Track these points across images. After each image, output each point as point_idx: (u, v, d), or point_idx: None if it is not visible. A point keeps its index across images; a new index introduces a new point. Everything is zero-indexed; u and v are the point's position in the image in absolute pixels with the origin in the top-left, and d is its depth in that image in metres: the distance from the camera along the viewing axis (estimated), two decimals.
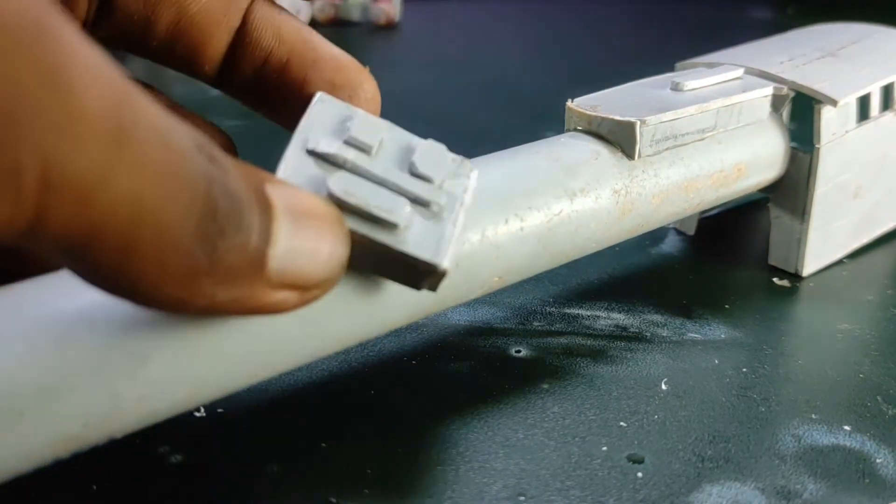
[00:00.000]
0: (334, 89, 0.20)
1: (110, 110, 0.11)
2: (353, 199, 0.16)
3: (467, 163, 0.18)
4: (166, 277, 0.13)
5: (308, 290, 0.15)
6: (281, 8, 0.20)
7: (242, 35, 0.20)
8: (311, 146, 0.17)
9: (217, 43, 0.20)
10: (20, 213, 0.11)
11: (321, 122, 0.17)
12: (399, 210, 0.16)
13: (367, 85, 0.20)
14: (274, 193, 0.14)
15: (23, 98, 0.10)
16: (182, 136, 0.13)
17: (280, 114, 0.21)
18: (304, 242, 0.14)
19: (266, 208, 0.14)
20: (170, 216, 0.12)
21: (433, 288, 0.17)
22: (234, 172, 0.14)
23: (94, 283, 0.13)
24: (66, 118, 0.11)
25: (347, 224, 0.16)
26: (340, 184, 0.16)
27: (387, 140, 0.17)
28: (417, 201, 0.17)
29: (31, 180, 0.11)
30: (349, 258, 0.16)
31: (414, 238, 0.16)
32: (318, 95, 0.18)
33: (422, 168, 0.17)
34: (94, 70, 0.11)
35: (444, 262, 0.16)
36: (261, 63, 0.20)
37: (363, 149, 0.17)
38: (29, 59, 0.10)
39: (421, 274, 0.17)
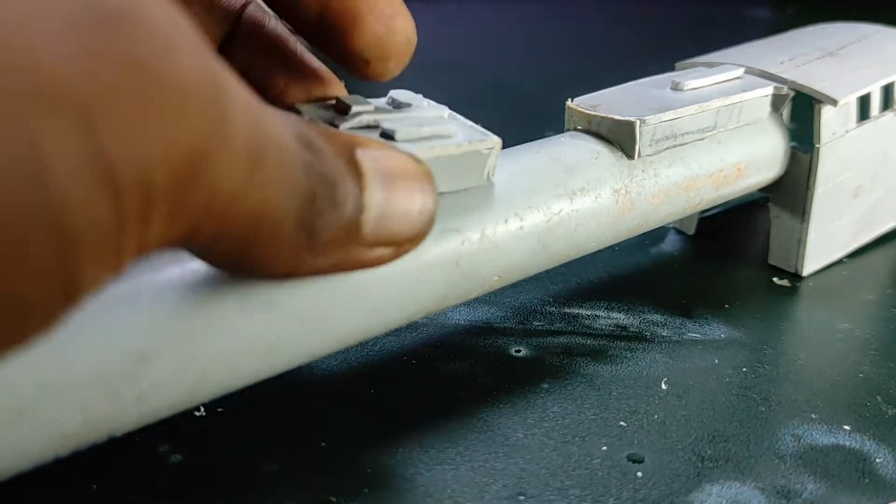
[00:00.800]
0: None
1: (251, 144, 0.13)
2: (407, 134, 0.18)
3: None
4: (276, 259, 0.14)
5: (402, 245, 0.16)
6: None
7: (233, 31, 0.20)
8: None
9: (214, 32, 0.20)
10: (180, 234, 0.12)
11: (320, 117, 0.19)
12: (444, 124, 0.18)
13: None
14: (364, 158, 0.15)
15: (206, 147, 0.12)
16: (289, 138, 0.14)
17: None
18: (395, 203, 0.16)
19: (358, 177, 0.15)
20: (282, 214, 0.14)
21: (493, 171, 0.20)
22: (328, 150, 0.15)
23: (212, 265, 0.15)
24: (227, 157, 0.12)
25: (420, 154, 0.17)
26: (392, 126, 0.18)
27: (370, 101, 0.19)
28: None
29: (196, 211, 0.12)
30: None
31: (463, 137, 0.19)
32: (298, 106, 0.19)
33: (412, 102, 0.20)
34: (245, 107, 0.13)
35: (494, 136, 0.19)
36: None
37: (367, 106, 0.19)
38: (209, 114, 0.12)
39: (484, 159, 0.19)
